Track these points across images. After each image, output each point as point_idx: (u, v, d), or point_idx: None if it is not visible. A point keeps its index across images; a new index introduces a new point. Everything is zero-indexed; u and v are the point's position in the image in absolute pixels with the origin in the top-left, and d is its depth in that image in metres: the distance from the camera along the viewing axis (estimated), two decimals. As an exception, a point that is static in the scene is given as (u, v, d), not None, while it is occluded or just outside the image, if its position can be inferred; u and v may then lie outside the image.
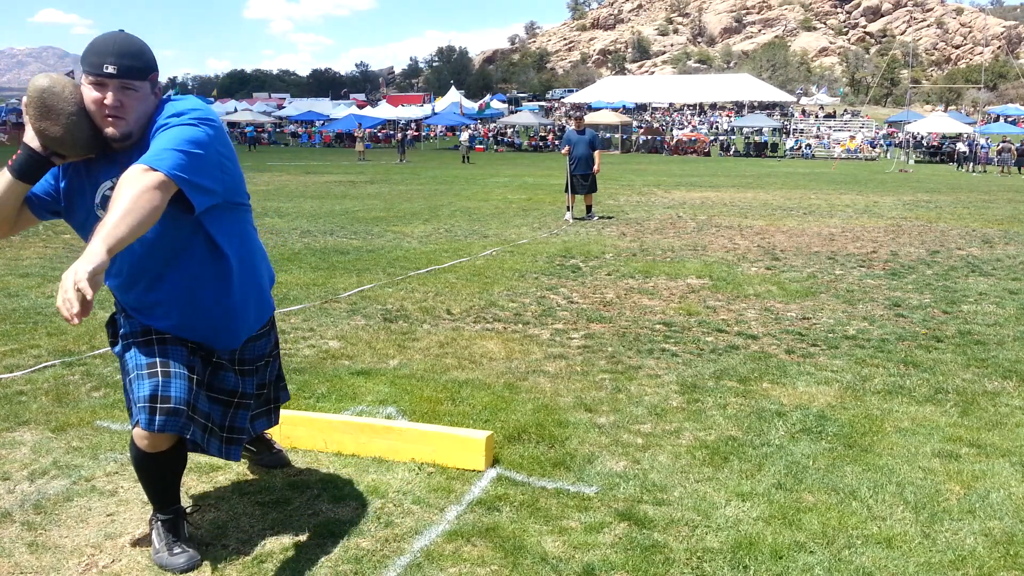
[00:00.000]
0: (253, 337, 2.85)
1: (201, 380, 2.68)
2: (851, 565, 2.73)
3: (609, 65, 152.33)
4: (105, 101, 2.39)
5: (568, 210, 13.57)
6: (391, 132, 55.56)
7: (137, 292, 2.63)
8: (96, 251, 2.08)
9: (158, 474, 2.71)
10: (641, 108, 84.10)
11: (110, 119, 2.41)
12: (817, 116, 75.61)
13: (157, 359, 2.57)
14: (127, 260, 2.55)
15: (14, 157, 2.46)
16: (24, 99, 2.43)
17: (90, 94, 2.40)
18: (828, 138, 54.55)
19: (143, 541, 2.83)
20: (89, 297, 2.01)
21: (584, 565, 2.71)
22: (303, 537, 2.89)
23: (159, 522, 2.74)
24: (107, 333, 2.85)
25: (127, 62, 2.39)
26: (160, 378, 2.54)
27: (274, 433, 3.54)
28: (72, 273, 2.02)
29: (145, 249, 2.51)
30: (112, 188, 2.44)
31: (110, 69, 2.37)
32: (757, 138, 53.97)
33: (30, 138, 2.43)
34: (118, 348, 2.73)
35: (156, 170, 2.28)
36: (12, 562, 2.71)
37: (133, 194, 2.20)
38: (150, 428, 2.50)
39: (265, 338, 2.92)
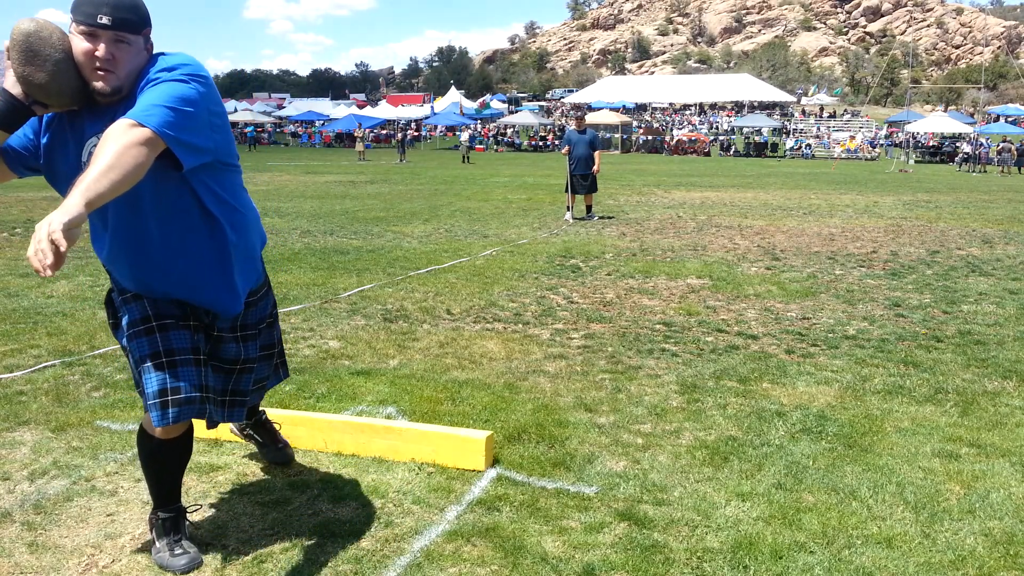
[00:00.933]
0: (252, 302, 2.80)
1: (206, 359, 2.65)
2: (851, 565, 2.73)
3: (609, 65, 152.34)
4: (96, 53, 2.28)
5: (568, 210, 13.57)
6: (391, 132, 55.56)
7: (128, 259, 2.55)
8: (74, 203, 1.99)
9: (167, 464, 2.72)
10: (641, 108, 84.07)
11: (100, 72, 2.30)
12: (817, 116, 75.63)
13: (161, 348, 2.53)
14: (116, 224, 2.48)
15: None
16: (6, 43, 2.28)
17: (80, 45, 2.29)
18: (828, 138, 54.56)
19: (143, 541, 2.83)
20: (63, 249, 1.91)
21: (584, 565, 2.71)
22: (303, 537, 2.89)
23: (160, 521, 2.74)
24: (106, 312, 2.82)
25: (122, 14, 2.29)
26: (167, 370, 2.51)
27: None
28: (47, 224, 1.93)
29: (134, 211, 2.44)
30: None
31: (104, 20, 2.26)
32: (757, 138, 53.97)
33: (11, 84, 2.30)
34: (123, 340, 2.68)
35: (144, 126, 2.19)
36: (12, 562, 2.71)
37: (117, 149, 2.12)
38: (164, 423, 2.49)
39: (264, 300, 2.88)
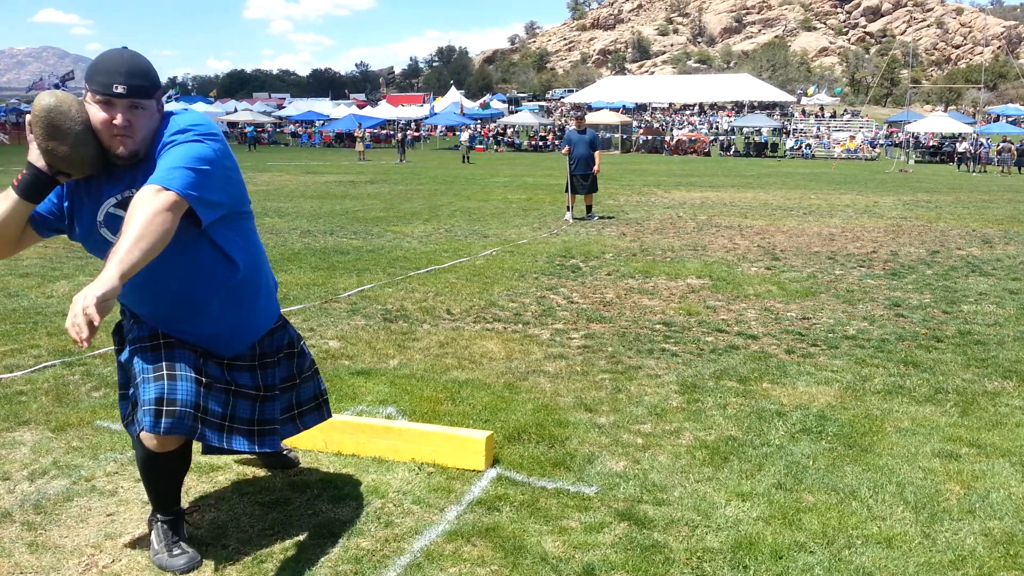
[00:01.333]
0: (267, 333, 2.86)
1: (211, 383, 2.66)
2: (851, 565, 2.73)
3: (609, 65, 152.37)
4: (115, 121, 2.39)
5: (568, 210, 13.56)
6: (391, 132, 55.54)
7: (145, 304, 2.64)
8: (109, 276, 2.13)
9: (163, 475, 2.71)
10: (641, 108, 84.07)
11: (118, 138, 2.42)
12: (818, 116, 75.63)
13: (163, 363, 2.57)
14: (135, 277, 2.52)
15: (19, 177, 2.45)
16: (28, 117, 2.40)
17: (98, 114, 2.40)
18: (828, 138, 54.55)
19: (143, 541, 2.83)
20: (96, 323, 2.05)
21: (584, 565, 2.71)
22: (303, 537, 2.89)
23: (159, 523, 2.74)
24: (113, 340, 2.86)
25: (136, 82, 2.40)
26: (166, 381, 2.53)
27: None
28: (82, 297, 2.07)
29: (153, 263, 2.48)
30: (116, 205, 2.48)
31: (120, 89, 2.38)
32: (757, 138, 53.95)
33: (35, 157, 2.42)
34: (124, 355, 2.71)
35: (168, 189, 2.31)
36: (12, 562, 2.71)
37: (146, 218, 2.23)
38: (155, 431, 2.49)
39: (281, 332, 2.92)
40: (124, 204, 2.46)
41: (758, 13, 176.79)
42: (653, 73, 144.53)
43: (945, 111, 71.85)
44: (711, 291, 7.48)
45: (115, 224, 2.47)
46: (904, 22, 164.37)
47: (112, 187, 2.50)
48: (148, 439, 2.57)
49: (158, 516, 2.75)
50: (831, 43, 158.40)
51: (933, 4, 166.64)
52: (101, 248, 2.54)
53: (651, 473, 3.45)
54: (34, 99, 2.42)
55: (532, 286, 7.62)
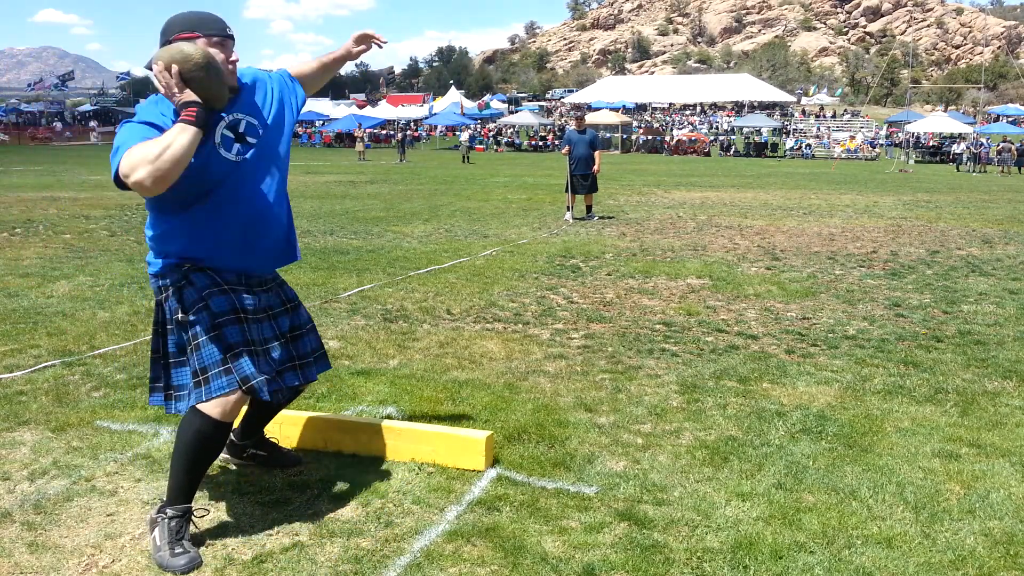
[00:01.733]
0: (281, 282, 3.19)
1: (266, 340, 2.94)
2: (851, 565, 2.73)
3: (609, 65, 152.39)
4: (231, 58, 2.86)
5: (568, 210, 13.57)
6: (391, 132, 55.54)
7: (244, 234, 2.88)
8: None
9: (205, 453, 2.81)
10: (641, 108, 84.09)
11: (232, 73, 2.86)
12: (818, 116, 75.64)
13: (249, 338, 2.85)
14: (252, 197, 2.88)
15: (191, 114, 2.64)
16: (176, 68, 2.62)
17: (218, 55, 2.79)
18: (828, 138, 54.57)
19: (143, 541, 2.83)
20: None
21: (584, 565, 2.71)
22: (303, 537, 2.89)
23: (167, 519, 2.74)
24: (180, 308, 2.99)
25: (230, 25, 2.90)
26: (258, 356, 2.85)
27: (276, 433, 3.55)
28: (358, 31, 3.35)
29: (276, 179, 2.99)
30: (226, 128, 2.82)
31: (231, 32, 2.87)
32: (757, 138, 53.97)
33: (194, 98, 2.67)
34: (202, 316, 2.83)
35: None
36: (12, 562, 2.71)
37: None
38: (266, 397, 2.81)
39: (287, 285, 3.23)
40: (232, 127, 2.84)
41: (758, 13, 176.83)
42: (653, 73, 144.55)
43: (945, 111, 71.87)
44: (711, 291, 7.48)
45: (229, 143, 2.83)
46: (904, 22, 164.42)
47: (217, 115, 2.82)
48: (217, 407, 2.73)
49: (167, 511, 2.76)
50: (831, 43, 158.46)
51: (933, 4, 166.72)
52: (222, 165, 2.81)
53: (651, 473, 3.45)
54: (171, 52, 2.65)
55: (532, 286, 7.62)
